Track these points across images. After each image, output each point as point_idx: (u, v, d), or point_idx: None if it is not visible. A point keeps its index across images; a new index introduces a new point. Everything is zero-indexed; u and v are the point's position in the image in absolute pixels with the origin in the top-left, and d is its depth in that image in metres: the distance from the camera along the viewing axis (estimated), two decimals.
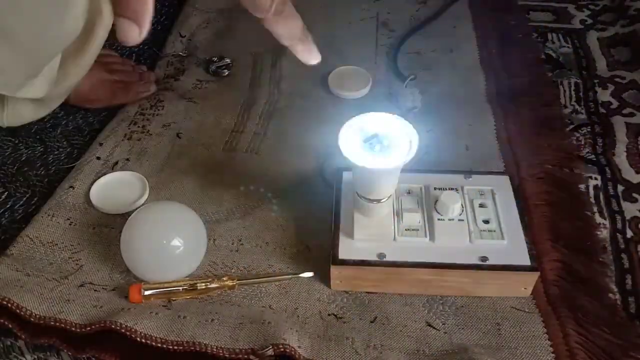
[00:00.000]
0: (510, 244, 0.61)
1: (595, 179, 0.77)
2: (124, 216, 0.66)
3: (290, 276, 0.64)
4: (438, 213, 0.63)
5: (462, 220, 0.63)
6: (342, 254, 0.61)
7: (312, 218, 0.70)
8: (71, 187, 0.75)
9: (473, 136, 0.81)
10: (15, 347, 0.61)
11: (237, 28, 1.04)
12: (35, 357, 0.61)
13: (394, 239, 0.62)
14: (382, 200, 0.60)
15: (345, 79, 0.90)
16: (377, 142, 0.55)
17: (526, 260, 0.60)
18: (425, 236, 0.62)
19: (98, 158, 0.79)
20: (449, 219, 0.63)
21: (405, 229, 0.62)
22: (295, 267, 0.66)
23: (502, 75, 0.91)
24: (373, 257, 0.61)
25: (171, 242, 0.61)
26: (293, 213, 0.71)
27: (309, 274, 0.64)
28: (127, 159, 0.79)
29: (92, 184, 0.75)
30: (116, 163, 0.79)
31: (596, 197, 0.75)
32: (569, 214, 0.70)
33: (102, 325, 0.58)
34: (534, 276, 0.60)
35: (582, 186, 0.75)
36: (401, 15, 1.05)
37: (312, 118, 0.85)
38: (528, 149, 0.78)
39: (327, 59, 0.93)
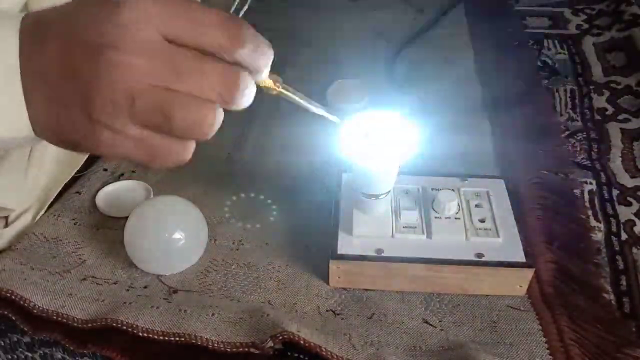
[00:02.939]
0: (505, 242, 0.62)
1: (590, 183, 0.78)
2: None
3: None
4: (435, 211, 0.65)
5: (459, 218, 0.64)
6: (341, 249, 0.62)
7: (312, 222, 0.71)
8: (78, 192, 0.76)
9: (469, 143, 0.82)
10: (22, 343, 0.61)
11: None
12: (41, 352, 0.61)
13: (392, 235, 0.63)
14: (381, 197, 0.61)
15: (344, 92, 0.92)
16: (377, 137, 0.56)
17: (521, 257, 0.61)
18: (423, 233, 0.63)
19: (105, 170, 0.81)
20: (446, 217, 0.64)
21: (403, 227, 0.64)
22: (295, 264, 0.67)
23: (498, 83, 0.92)
24: (371, 253, 0.62)
25: (173, 235, 0.63)
26: (293, 218, 0.73)
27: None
28: (133, 171, 0.81)
29: (97, 191, 0.76)
30: (122, 174, 0.80)
31: (591, 201, 0.76)
32: (564, 218, 0.71)
33: (103, 323, 0.58)
34: (528, 272, 0.61)
35: (577, 191, 0.76)
36: (399, 25, 1.07)
37: (312, 130, 0.86)
38: (523, 156, 0.79)
39: (326, 73, 0.97)
